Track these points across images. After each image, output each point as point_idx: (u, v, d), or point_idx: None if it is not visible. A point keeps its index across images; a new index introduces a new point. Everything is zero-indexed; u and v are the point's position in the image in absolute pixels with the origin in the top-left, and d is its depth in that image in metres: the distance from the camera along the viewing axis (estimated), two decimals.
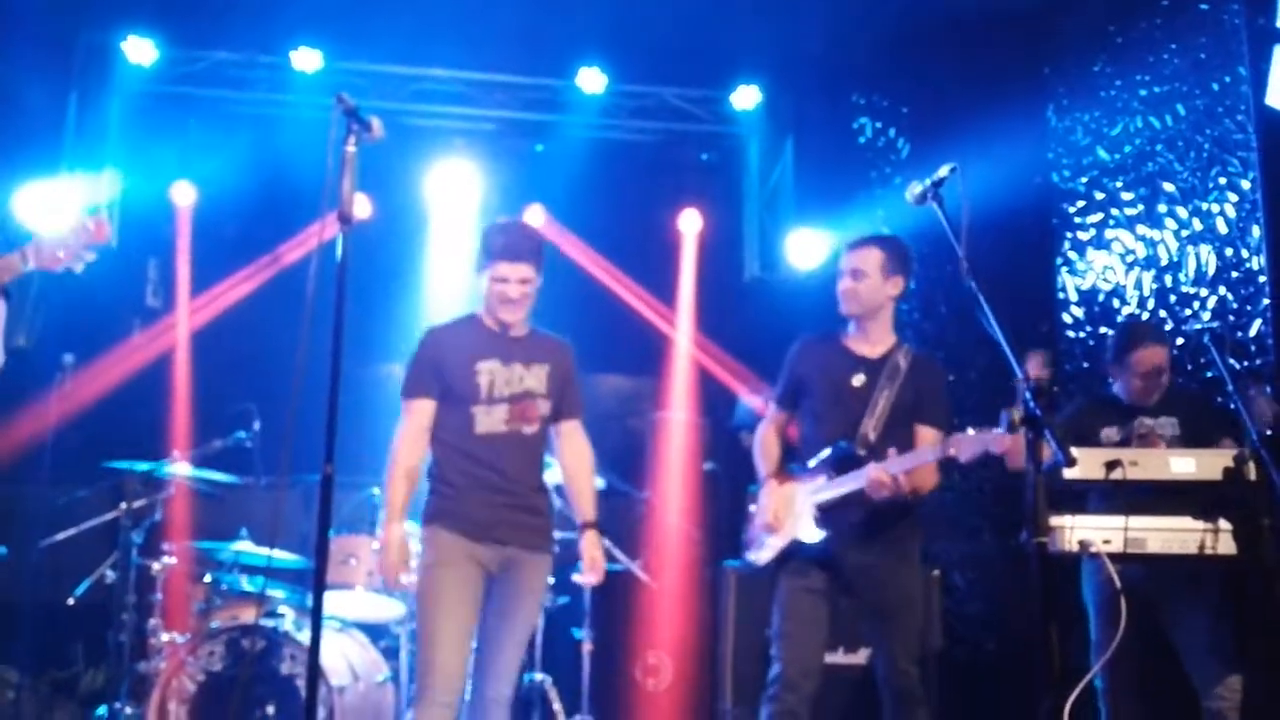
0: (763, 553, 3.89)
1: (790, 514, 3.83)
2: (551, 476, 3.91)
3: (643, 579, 5.67)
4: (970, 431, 3.39)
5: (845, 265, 3.88)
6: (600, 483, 5.33)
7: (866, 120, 7.00)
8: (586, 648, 5.21)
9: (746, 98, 7.11)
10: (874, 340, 3.89)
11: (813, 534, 3.74)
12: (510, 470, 3.63)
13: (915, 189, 3.29)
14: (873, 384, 3.80)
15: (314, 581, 2.76)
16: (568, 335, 3.93)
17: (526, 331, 3.79)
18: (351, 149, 2.91)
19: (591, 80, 6.84)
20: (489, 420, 3.62)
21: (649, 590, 5.86)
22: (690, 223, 7.37)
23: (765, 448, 4.03)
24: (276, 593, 4.70)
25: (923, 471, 3.64)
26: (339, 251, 2.89)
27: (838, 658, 4.94)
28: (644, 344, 7.25)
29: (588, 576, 3.81)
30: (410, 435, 3.65)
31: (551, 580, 4.03)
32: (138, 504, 4.90)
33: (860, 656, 4.90)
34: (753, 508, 4.02)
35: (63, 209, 5.99)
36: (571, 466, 3.88)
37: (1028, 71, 6.38)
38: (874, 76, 6.92)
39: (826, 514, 3.73)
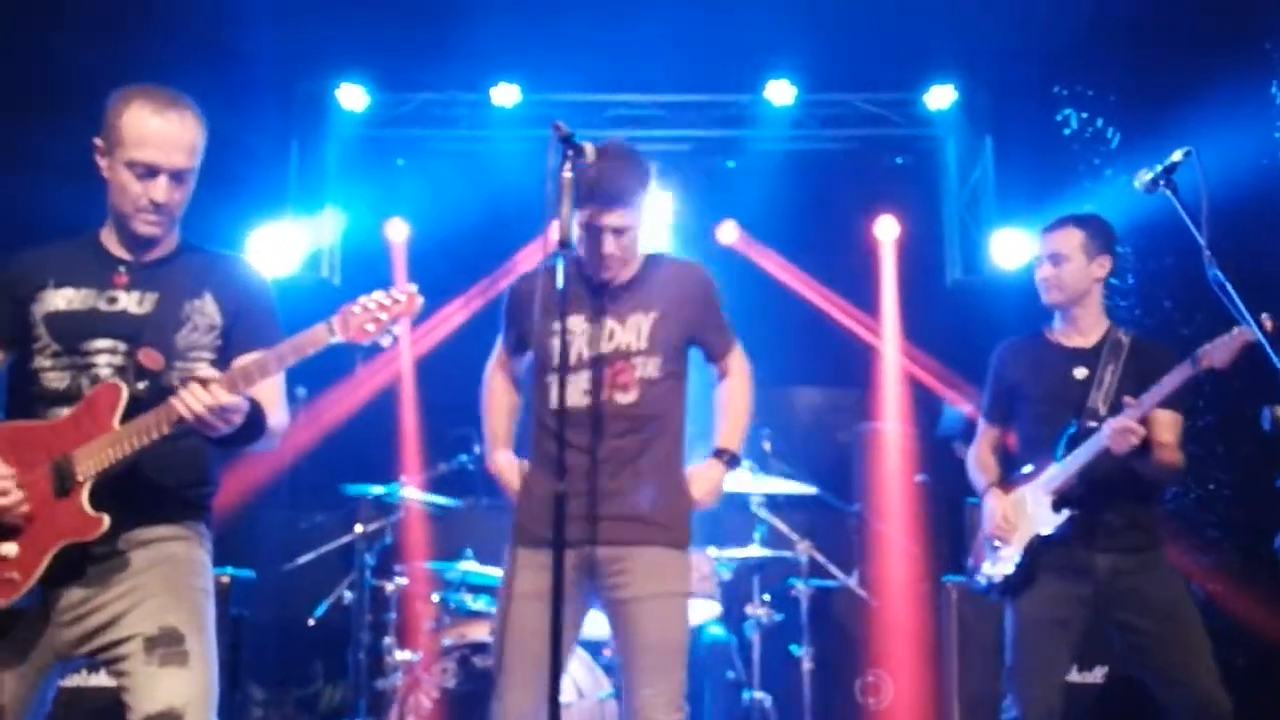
0: (997, 566, 3.64)
1: (1023, 516, 3.59)
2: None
3: (860, 595, 5.57)
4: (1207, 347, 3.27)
5: (1043, 250, 3.64)
6: (811, 490, 5.28)
7: (1071, 111, 6.71)
8: (806, 665, 5.13)
9: (941, 98, 6.94)
10: (1085, 330, 3.64)
11: (1052, 520, 3.51)
12: (601, 452, 3.01)
13: (1145, 176, 3.10)
14: (1094, 369, 3.57)
15: (552, 600, 2.79)
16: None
17: (633, 274, 3.19)
18: (568, 175, 2.96)
19: (780, 92, 6.81)
20: (568, 392, 2.96)
21: (867, 606, 5.74)
22: (887, 229, 7.24)
23: (983, 462, 3.80)
24: None
25: (1168, 450, 3.45)
26: (559, 276, 2.94)
27: (1071, 677, 4.71)
28: (845, 355, 7.15)
29: (693, 490, 3.14)
30: (492, 369, 3.36)
31: (692, 578, 3.16)
32: (371, 527, 5.10)
33: (1096, 675, 4.62)
34: (982, 516, 3.76)
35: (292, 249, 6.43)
36: (720, 398, 3.27)
37: (1245, 47, 5.97)
38: (1076, 65, 6.63)
39: (1065, 497, 3.51)
